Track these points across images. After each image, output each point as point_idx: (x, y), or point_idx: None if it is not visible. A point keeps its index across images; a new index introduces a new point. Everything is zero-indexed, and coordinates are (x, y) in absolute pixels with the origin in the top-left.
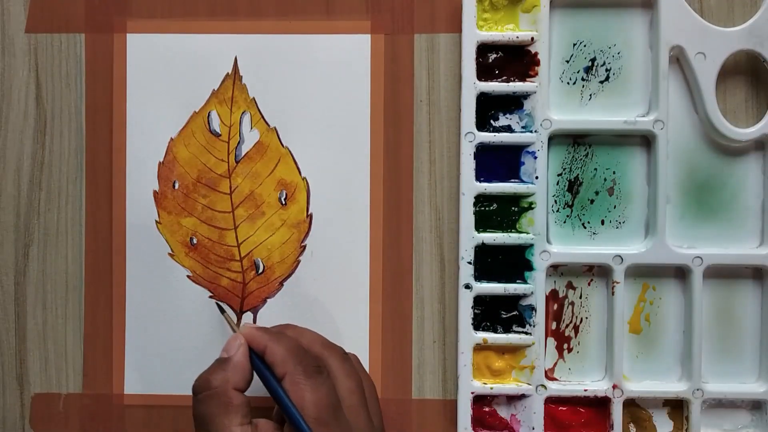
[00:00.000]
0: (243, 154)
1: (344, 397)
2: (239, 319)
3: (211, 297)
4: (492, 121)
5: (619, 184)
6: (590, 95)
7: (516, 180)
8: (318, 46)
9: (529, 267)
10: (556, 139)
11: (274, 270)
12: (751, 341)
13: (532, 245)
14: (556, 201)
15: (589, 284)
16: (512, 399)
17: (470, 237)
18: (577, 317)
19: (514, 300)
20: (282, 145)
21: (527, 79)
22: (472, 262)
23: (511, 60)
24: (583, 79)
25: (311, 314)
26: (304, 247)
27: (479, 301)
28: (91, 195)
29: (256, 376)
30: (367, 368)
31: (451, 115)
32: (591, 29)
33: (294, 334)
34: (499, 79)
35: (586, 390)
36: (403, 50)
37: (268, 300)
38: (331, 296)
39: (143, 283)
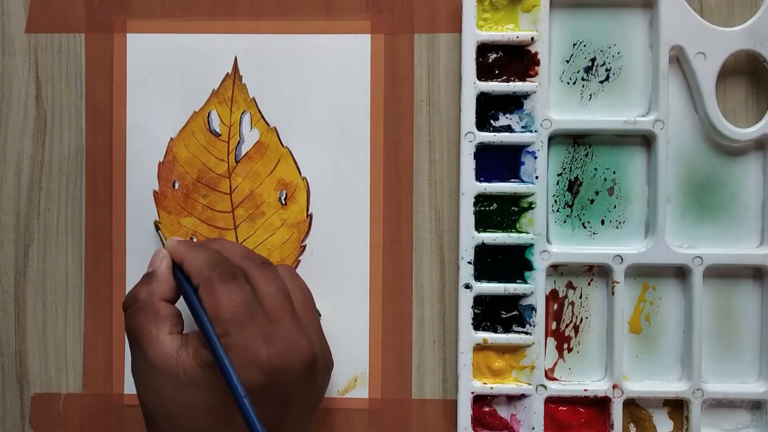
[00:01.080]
0: (243, 154)
1: (264, 302)
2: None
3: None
4: (492, 121)
5: (619, 184)
6: (590, 95)
7: (516, 180)
8: (318, 46)
9: (529, 267)
10: (556, 139)
11: None
12: (751, 341)
13: (532, 245)
14: (556, 201)
15: (589, 284)
16: (512, 399)
17: (470, 237)
18: (577, 317)
19: (514, 300)
20: (282, 145)
21: (527, 79)
22: (472, 262)
23: (511, 60)
24: (583, 79)
25: None
26: (304, 247)
27: (479, 301)
28: (91, 195)
29: None
30: (366, 368)
31: (451, 115)
32: (591, 29)
33: (217, 247)
34: (499, 79)
35: (586, 390)
36: (403, 50)
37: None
38: (331, 296)
39: None
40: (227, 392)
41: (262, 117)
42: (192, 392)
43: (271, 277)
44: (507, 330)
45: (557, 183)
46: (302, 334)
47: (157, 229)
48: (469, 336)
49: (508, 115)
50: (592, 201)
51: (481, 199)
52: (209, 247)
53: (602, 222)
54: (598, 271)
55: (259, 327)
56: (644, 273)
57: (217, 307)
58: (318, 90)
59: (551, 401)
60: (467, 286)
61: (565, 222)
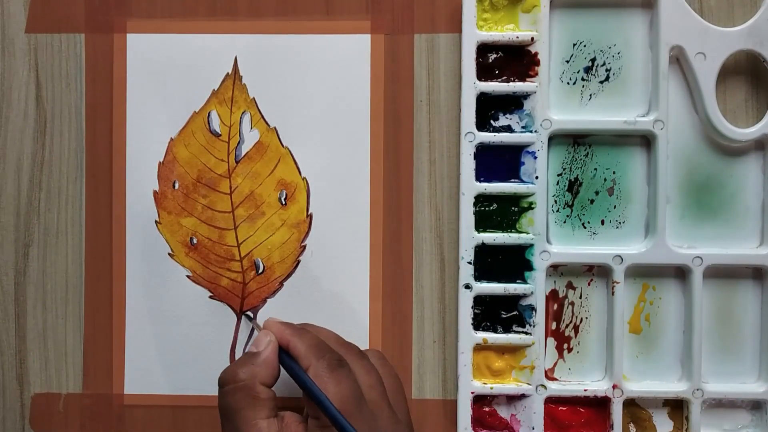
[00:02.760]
0: (243, 154)
1: (365, 392)
2: (239, 318)
3: (211, 297)
4: (492, 121)
5: (619, 184)
6: (590, 95)
7: (516, 180)
8: (318, 46)
9: (529, 267)
10: (556, 139)
11: (274, 270)
12: (751, 341)
13: (532, 245)
14: (556, 201)
15: (589, 284)
16: (512, 399)
17: (470, 237)
18: (577, 317)
19: (514, 300)
20: (282, 145)
21: (527, 79)
22: (472, 262)
23: (511, 60)
24: (583, 79)
25: (311, 314)
26: (304, 247)
27: (479, 301)
28: (91, 195)
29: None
30: None
31: (451, 115)
32: (591, 29)
33: (313, 331)
34: (499, 79)
35: (586, 390)
36: (403, 50)
37: (268, 300)
38: (331, 296)
39: (143, 283)
40: None
41: (262, 117)
42: None
43: (369, 368)
44: (507, 330)
45: (557, 183)
46: (399, 426)
47: (250, 318)
48: (469, 336)
49: (508, 115)
50: (592, 201)
51: (481, 199)
52: (309, 331)
53: (602, 222)
54: (598, 271)
55: (364, 420)
56: (644, 273)
57: (327, 395)
58: (318, 90)
59: (551, 401)
60: (467, 286)
61: (565, 222)
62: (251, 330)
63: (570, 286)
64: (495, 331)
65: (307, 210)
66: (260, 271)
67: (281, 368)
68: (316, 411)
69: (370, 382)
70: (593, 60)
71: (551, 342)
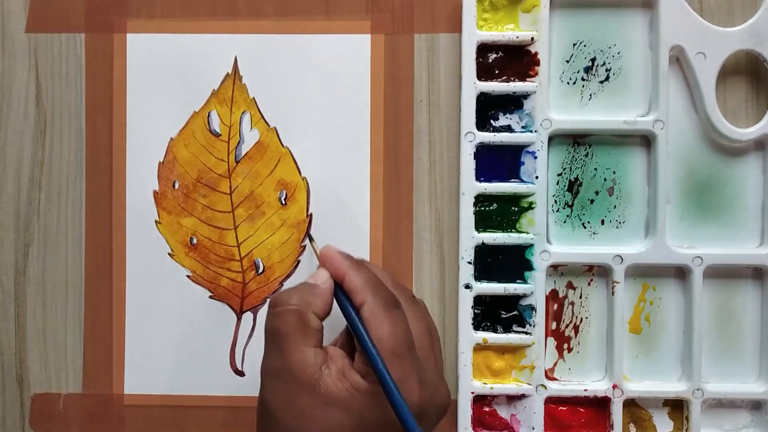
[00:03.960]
0: (243, 154)
1: (415, 338)
2: (239, 318)
3: (211, 297)
4: (492, 121)
5: (619, 184)
6: (590, 95)
7: (516, 180)
8: (318, 46)
9: (529, 267)
10: (556, 139)
11: (274, 270)
12: (751, 341)
13: (532, 245)
14: (556, 201)
15: (589, 284)
16: (512, 399)
17: (470, 237)
18: (577, 317)
19: (514, 300)
20: (282, 145)
21: (527, 79)
22: (472, 262)
23: (511, 60)
24: (583, 79)
25: None
26: (304, 247)
27: (479, 301)
28: (91, 195)
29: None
30: None
31: (451, 115)
32: (591, 29)
33: (371, 267)
34: (499, 79)
35: (586, 390)
36: (403, 50)
37: (268, 300)
38: None
39: (143, 282)
40: (372, 422)
41: (262, 117)
42: (332, 413)
43: (421, 315)
44: (507, 330)
45: (557, 183)
46: (442, 380)
47: (311, 239)
48: (469, 336)
49: (508, 115)
50: (592, 201)
51: (481, 199)
52: (367, 267)
53: (602, 222)
54: (598, 271)
55: (414, 366)
56: (644, 273)
57: (381, 333)
58: (318, 90)
59: (551, 401)
60: (467, 286)
61: (565, 222)
62: (251, 330)
63: (570, 286)
64: (495, 331)
65: (307, 210)
66: (260, 271)
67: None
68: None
69: (422, 330)
70: (593, 60)
71: (551, 342)
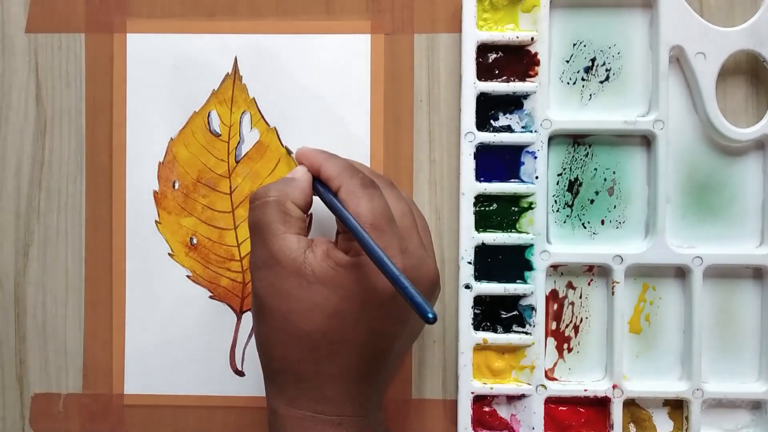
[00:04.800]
0: (243, 154)
1: (396, 217)
2: (239, 318)
3: (211, 297)
4: (492, 121)
5: (619, 184)
6: (590, 95)
7: (516, 180)
8: (318, 46)
9: (529, 267)
10: (556, 139)
11: None
12: (751, 341)
13: (532, 245)
14: (556, 201)
15: (589, 284)
16: (512, 399)
17: (470, 237)
18: (577, 317)
19: (514, 300)
20: (282, 145)
21: (527, 79)
22: (472, 262)
23: (511, 60)
24: (583, 79)
25: None
26: None
27: (479, 301)
28: (91, 195)
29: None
30: None
31: (451, 115)
32: (591, 29)
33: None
34: (499, 79)
35: (586, 390)
36: (403, 50)
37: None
38: None
39: (143, 283)
40: (357, 295)
41: (262, 117)
42: (319, 291)
43: (399, 197)
44: (507, 330)
45: (557, 183)
46: (428, 254)
47: (290, 152)
48: (469, 336)
49: (508, 115)
50: (592, 201)
51: (481, 199)
52: (341, 157)
53: (602, 222)
54: (598, 271)
55: (395, 237)
56: (644, 273)
57: (359, 209)
58: (318, 90)
59: (551, 401)
60: (467, 286)
61: (565, 222)
62: (251, 330)
63: (570, 286)
64: (495, 331)
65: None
66: None
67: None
68: (344, 227)
69: (403, 210)
70: (593, 60)
71: (551, 342)
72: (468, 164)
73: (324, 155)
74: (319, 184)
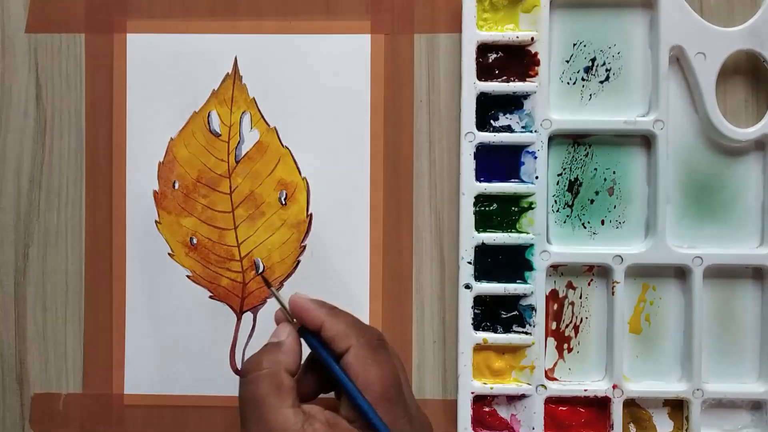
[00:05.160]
0: (243, 154)
1: (400, 374)
2: (239, 318)
3: (211, 297)
4: (492, 121)
5: (619, 184)
6: (590, 95)
7: (516, 180)
8: (318, 46)
9: (529, 267)
10: (556, 139)
11: (274, 270)
12: (751, 341)
13: (532, 245)
14: (556, 201)
15: (589, 284)
16: (512, 399)
17: (470, 237)
18: (577, 317)
19: (514, 300)
20: (282, 145)
21: (527, 79)
22: (472, 262)
23: (511, 60)
24: (583, 79)
25: None
26: (304, 247)
27: (479, 301)
28: (91, 195)
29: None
30: None
31: (451, 115)
32: (591, 29)
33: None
34: (499, 79)
35: (586, 390)
36: (403, 50)
37: (268, 300)
38: (331, 296)
39: (143, 283)
40: None
41: (262, 117)
42: None
43: (393, 351)
44: (507, 330)
45: (557, 183)
46: (424, 414)
47: (269, 285)
48: (469, 336)
49: (508, 115)
50: (592, 201)
51: (481, 199)
52: (343, 311)
53: (602, 222)
54: (598, 271)
55: (405, 405)
56: (644, 273)
57: (369, 377)
58: (318, 90)
59: (551, 401)
60: (467, 286)
61: (565, 222)
62: (251, 330)
63: (570, 286)
64: (495, 331)
65: (307, 210)
66: (260, 271)
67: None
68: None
69: (399, 366)
70: (593, 60)
71: (551, 342)
72: (468, 164)
73: (325, 310)
74: (319, 344)
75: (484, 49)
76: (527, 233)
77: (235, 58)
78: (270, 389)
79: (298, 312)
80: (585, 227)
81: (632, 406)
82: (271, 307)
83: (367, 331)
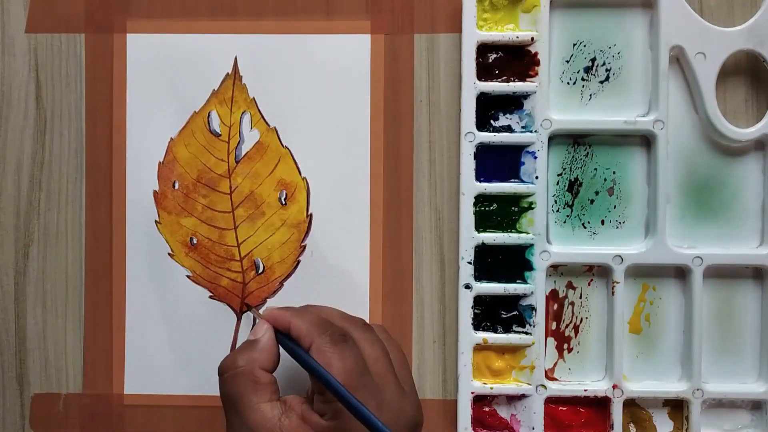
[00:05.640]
0: (243, 154)
1: (370, 365)
2: (239, 318)
3: (211, 297)
4: (492, 121)
5: (619, 184)
6: (590, 95)
7: (516, 180)
8: (318, 46)
9: (529, 267)
10: (556, 139)
11: (274, 270)
12: (751, 341)
13: (532, 245)
14: (556, 201)
15: (589, 284)
16: (512, 399)
17: (470, 237)
18: (577, 317)
19: (514, 300)
20: (282, 145)
21: (527, 79)
22: (472, 262)
23: (511, 60)
24: (583, 79)
25: None
26: (304, 247)
27: (479, 301)
28: (91, 195)
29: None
30: None
31: (451, 115)
32: (591, 29)
33: (315, 310)
34: (499, 79)
35: (586, 390)
36: (403, 50)
37: (268, 300)
38: (331, 296)
39: (143, 283)
40: None
41: (262, 117)
42: None
43: (373, 340)
44: (507, 330)
45: (557, 183)
46: (405, 399)
47: (250, 308)
48: (469, 336)
49: (508, 115)
50: (592, 201)
51: (481, 199)
52: (310, 310)
53: (602, 222)
54: (598, 271)
55: (369, 393)
56: (644, 273)
57: (330, 369)
58: (318, 90)
59: (551, 401)
60: (467, 286)
61: (565, 222)
62: (251, 329)
63: (570, 286)
64: (495, 331)
65: (307, 210)
66: (260, 271)
67: (283, 355)
68: (320, 387)
69: (376, 355)
70: (593, 60)
71: (551, 342)
72: (468, 164)
73: (291, 312)
74: (290, 342)
75: (484, 49)
76: (527, 233)
77: (235, 58)
78: (246, 386)
79: (269, 320)
80: (585, 227)
81: (632, 406)
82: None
83: (328, 328)
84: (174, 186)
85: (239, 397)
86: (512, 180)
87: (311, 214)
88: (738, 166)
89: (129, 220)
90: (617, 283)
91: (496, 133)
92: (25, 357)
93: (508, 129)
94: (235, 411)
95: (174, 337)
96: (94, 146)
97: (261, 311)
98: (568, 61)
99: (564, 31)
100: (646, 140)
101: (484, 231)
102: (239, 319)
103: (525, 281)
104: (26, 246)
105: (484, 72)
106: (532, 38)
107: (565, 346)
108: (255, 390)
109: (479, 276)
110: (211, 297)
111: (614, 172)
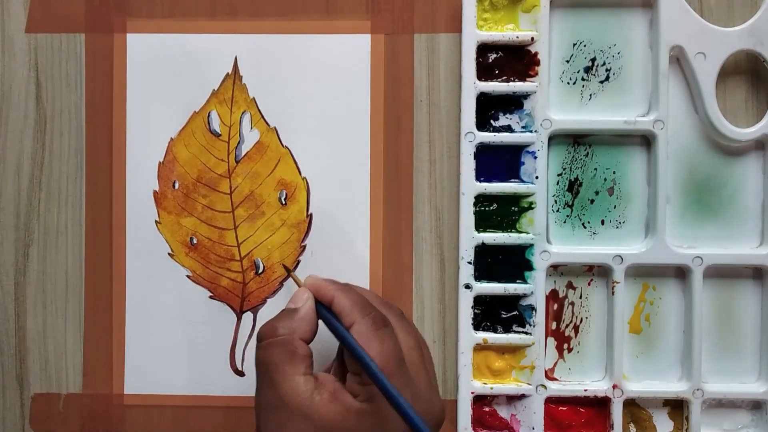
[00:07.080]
0: (243, 154)
1: (406, 353)
2: (239, 318)
3: (211, 297)
4: (492, 121)
5: (619, 184)
6: (590, 95)
7: (516, 180)
8: (318, 46)
9: (529, 267)
10: (556, 139)
11: (274, 270)
12: (751, 341)
13: (532, 245)
14: (556, 201)
15: (589, 284)
16: (512, 399)
17: (470, 237)
18: (577, 317)
19: (514, 300)
20: (282, 145)
21: (527, 79)
22: (472, 262)
23: (511, 60)
24: (583, 79)
25: None
26: (304, 247)
27: (479, 301)
28: (91, 195)
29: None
30: None
31: (451, 115)
32: (591, 29)
33: (358, 290)
34: (499, 79)
35: (586, 390)
36: (403, 50)
37: (268, 300)
38: None
39: (143, 283)
40: None
41: (262, 117)
42: None
43: (410, 329)
44: (507, 330)
45: (557, 183)
46: (434, 391)
47: (289, 273)
48: (469, 336)
49: (508, 115)
50: (592, 201)
51: (481, 199)
52: (354, 289)
53: (602, 222)
54: (598, 271)
55: (405, 382)
56: (644, 273)
57: (369, 352)
58: (318, 90)
59: (551, 401)
60: (467, 286)
61: (565, 222)
62: (251, 330)
63: (570, 286)
64: (495, 331)
65: (307, 210)
66: (260, 271)
67: (320, 325)
68: (355, 367)
69: (411, 344)
70: (593, 60)
71: (551, 342)
72: (468, 164)
73: (335, 286)
74: (332, 316)
75: (484, 48)
76: (527, 233)
77: (235, 58)
78: (283, 356)
79: (311, 289)
80: (585, 227)
81: (632, 405)
82: (271, 307)
83: (372, 310)
84: (174, 186)
85: (275, 366)
86: (512, 180)
87: (311, 214)
88: (738, 166)
89: (129, 220)
90: (617, 283)
91: (496, 133)
92: (25, 357)
93: (508, 129)
94: (268, 378)
95: (174, 337)
96: (94, 146)
97: (261, 309)
98: (568, 61)
99: (564, 30)
100: (646, 140)
101: (484, 231)
102: (239, 319)
103: (525, 281)
104: (26, 246)
105: (484, 72)
106: (532, 38)
107: (565, 346)
108: (292, 360)
109: (479, 276)
110: (211, 297)
111: (614, 172)
